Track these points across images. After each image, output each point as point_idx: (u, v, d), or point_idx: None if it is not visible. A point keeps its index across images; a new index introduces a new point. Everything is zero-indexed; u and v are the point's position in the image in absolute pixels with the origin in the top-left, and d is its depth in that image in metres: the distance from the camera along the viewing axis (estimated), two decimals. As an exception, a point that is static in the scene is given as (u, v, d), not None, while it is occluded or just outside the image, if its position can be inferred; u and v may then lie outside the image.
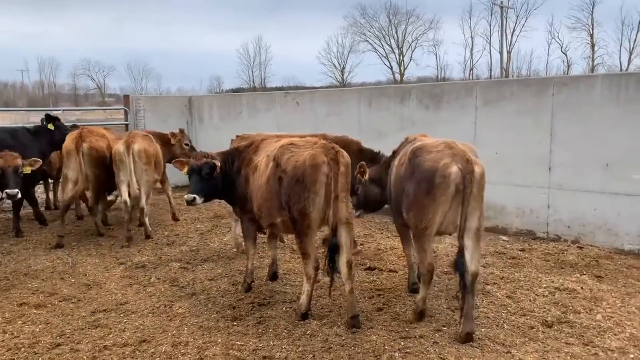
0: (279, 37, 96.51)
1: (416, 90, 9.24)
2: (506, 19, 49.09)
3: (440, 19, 61.64)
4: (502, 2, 46.06)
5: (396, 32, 63.47)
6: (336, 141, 5.89)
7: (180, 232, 8.63)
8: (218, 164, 5.59)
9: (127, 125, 12.59)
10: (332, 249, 4.83)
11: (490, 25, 57.00)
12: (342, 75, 66.94)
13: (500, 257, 6.94)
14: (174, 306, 5.49)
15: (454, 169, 4.51)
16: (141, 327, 4.98)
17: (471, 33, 59.15)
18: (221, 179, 5.67)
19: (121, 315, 5.28)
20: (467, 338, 4.49)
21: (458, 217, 4.53)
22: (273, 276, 6.22)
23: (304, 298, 5.07)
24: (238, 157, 5.80)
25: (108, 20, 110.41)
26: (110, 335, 4.80)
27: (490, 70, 58.89)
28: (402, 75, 63.46)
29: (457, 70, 64.10)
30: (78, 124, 10.60)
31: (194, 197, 5.54)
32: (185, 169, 5.82)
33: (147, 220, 8.24)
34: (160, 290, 5.96)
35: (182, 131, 9.61)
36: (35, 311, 5.36)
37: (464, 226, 4.50)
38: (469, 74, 60.83)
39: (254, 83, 70.46)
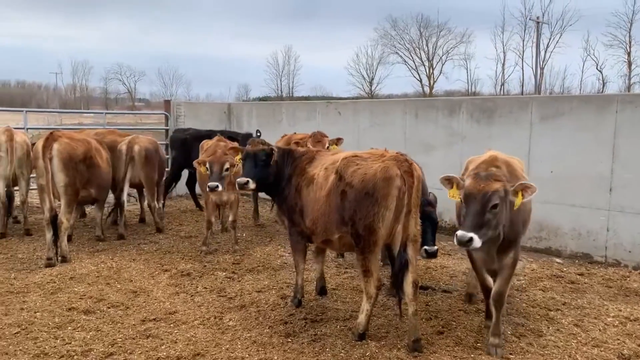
0: (308, 46, 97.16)
1: (467, 103, 8.99)
2: (540, 34, 48.29)
3: (472, 33, 60.40)
4: (538, 17, 45.36)
5: (427, 45, 62.97)
6: None
7: (222, 240, 8.50)
8: (275, 150, 5.51)
9: (167, 130, 12.58)
10: (403, 266, 4.58)
11: (523, 40, 56.10)
12: (370, 86, 66.63)
13: (559, 281, 6.61)
14: (224, 318, 5.32)
15: None
16: (193, 339, 4.81)
17: (503, 48, 58.21)
18: (275, 171, 5.53)
19: (171, 325, 5.13)
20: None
21: None
22: (321, 290, 6.01)
23: (362, 317, 4.83)
24: (291, 162, 5.59)
25: (140, 26, 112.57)
26: (163, 347, 4.65)
27: (522, 86, 57.91)
28: (431, 88, 62.85)
29: (487, 85, 63.01)
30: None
31: (248, 181, 5.41)
32: (239, 156, 5.79)
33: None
34: (209, 301, 5.80)
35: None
36: (85, 317, 5.25)
37: None
38: (500, 89, 59.95)
39: (281, 92, 70.65)
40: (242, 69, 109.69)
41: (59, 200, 7.07)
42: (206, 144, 8.11)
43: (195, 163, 7.11)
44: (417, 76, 63.46)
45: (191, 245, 8.11)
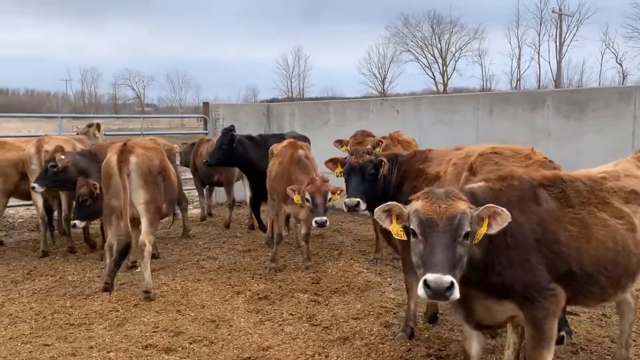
0: (318, 47, 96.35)
1: (552, 96, 8.12)
2: (561, 27, 47.14)
3: (485, 29, 59.50)
4: (560, 10, 44.22)
5: (439, 42, 62.06)
6: None
7: (285, 253, 7.66)
8: (385, 161, 4.74)
9: (206, 134, 11.77)
10: None
11: (539, 34, 55.00)
12: (383, 85, 65.80)
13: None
14: (330, 355, 4.48)
15: None
16: (305, 385, 3.99)
17: (518, 43, 57.10)
18: (382, 184, 4.78)
19: (272, 366, 4.31)
20: None
21: None
22: (432, 317, 5.16)
23: (509, 354, 3.98)
24: (397, 168, 4.87)
25: (147, 32, 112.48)
26: (273, 397, 3.83)
27: (539, 81, 56.93)
28: (445, 85, 62.00)
29: (503, 81, 61.98)
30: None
31: (358, 202, 4.62)
32: (339, 169, 5.01)
33: None
34: (302, 331, 4.97)
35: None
36: (166, 357, 4.42)
37: None
38: (516, 84, 58.91)
39: (292, 93, 69.87)
40: (251, 71, 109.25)
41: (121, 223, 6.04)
42: (276, 148, 7.23)
43: (289, 190, 6.06)
44: (431, 74, 62.63)
45: (254, 261, 7.28)
